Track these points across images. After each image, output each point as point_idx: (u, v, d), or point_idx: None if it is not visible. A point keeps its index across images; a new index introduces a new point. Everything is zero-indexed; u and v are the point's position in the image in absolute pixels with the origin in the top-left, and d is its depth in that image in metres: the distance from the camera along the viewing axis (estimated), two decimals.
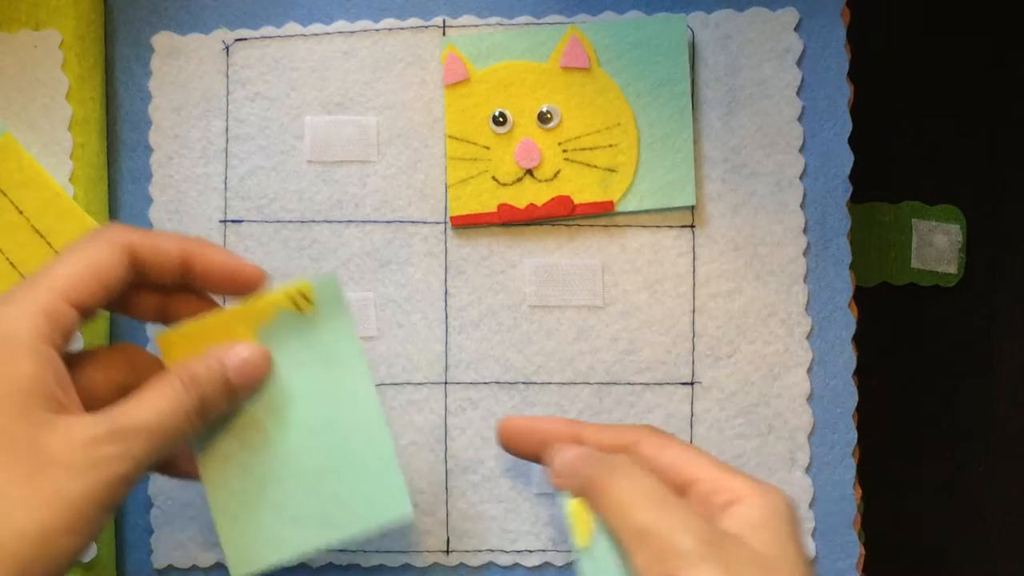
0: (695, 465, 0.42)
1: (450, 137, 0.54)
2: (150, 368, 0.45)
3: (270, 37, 0.55)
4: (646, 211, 0.53)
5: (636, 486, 0.41)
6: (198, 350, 0.45)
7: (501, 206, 0.54)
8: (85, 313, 0.42)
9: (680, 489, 0.42)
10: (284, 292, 0.45)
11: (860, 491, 0.53)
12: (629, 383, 0.53)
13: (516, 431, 0.48)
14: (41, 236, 0.53)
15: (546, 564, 0.53)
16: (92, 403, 0.42)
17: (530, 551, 0.53)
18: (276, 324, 0.45)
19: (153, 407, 0.41)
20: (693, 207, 0.53)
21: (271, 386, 0.46)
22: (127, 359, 0.45)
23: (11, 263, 0.53)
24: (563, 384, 0.54)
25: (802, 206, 0.53)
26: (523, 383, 0.54)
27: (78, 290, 0.42)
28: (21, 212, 0.53)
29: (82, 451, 0.39)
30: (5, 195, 0.53)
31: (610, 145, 0.53)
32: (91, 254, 0.42)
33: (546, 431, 0.47)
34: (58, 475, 0.39)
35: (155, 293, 0.46)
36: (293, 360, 0.46)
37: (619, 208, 0.53)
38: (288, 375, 0.46)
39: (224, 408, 0.44)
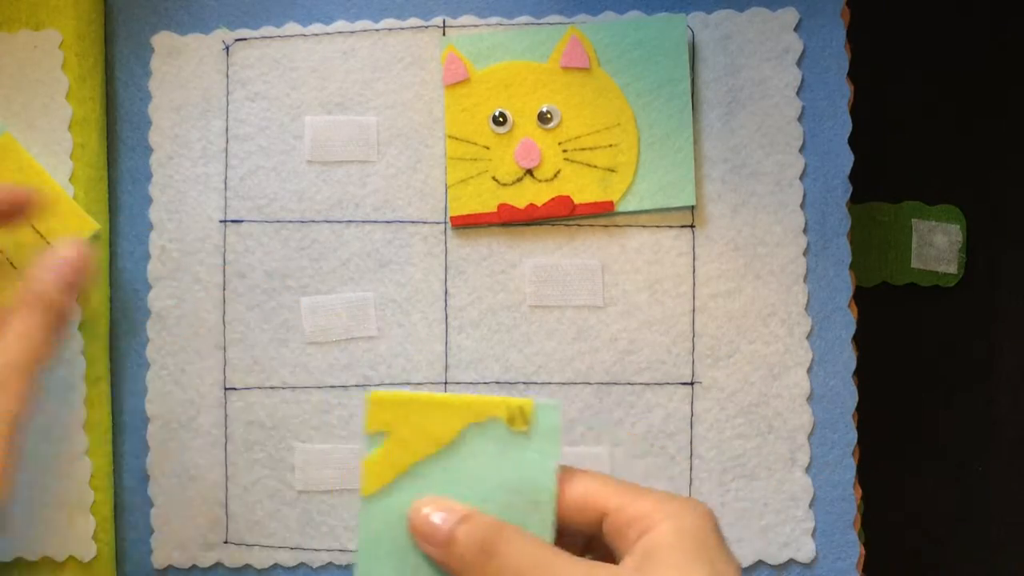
0: (603, 496, 0.41)
1: (450, 137, 0.54)
2: None
3: (270, 37, 0.55)
4: (646, 211, 0.54)
5: (522, 551, 0.39)
6: (403, 418, 0.43)
7: (501, 206, 0.54)
8: None
9: (595, 523, 0.41)
10: (504, 402, 0.44)
11: (860, 491, 0.53)
12: (629, 383, 0.53)
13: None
14: (41, 236, 0.53)
15: None
16: None
17: None
18: (484, 427, 0.44)
19: (14, 343, 0.45)
20: (693, 207, 0.53)
21: (452, 486, 0.43)
22: None
23: (11, 263, 0.53)
24: (563, 384, 0.54)
25: (802, 206, 0.53)
26: (523, 383, 0.54)
27: None
28: None
29: None
30: None
31: (610, 145, 0.53)
32: None
33: None
34: None
35: None
36: (483, 470, 0.44)
37: (619, 208, 0.53)
38: (471, 483, 0.43)
39: (70, 296, 0.47)
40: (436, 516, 0.41)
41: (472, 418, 0.43)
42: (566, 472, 0.42)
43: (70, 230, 0.53)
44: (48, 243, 0.53)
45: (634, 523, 0.39)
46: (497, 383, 0.54)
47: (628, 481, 0.41)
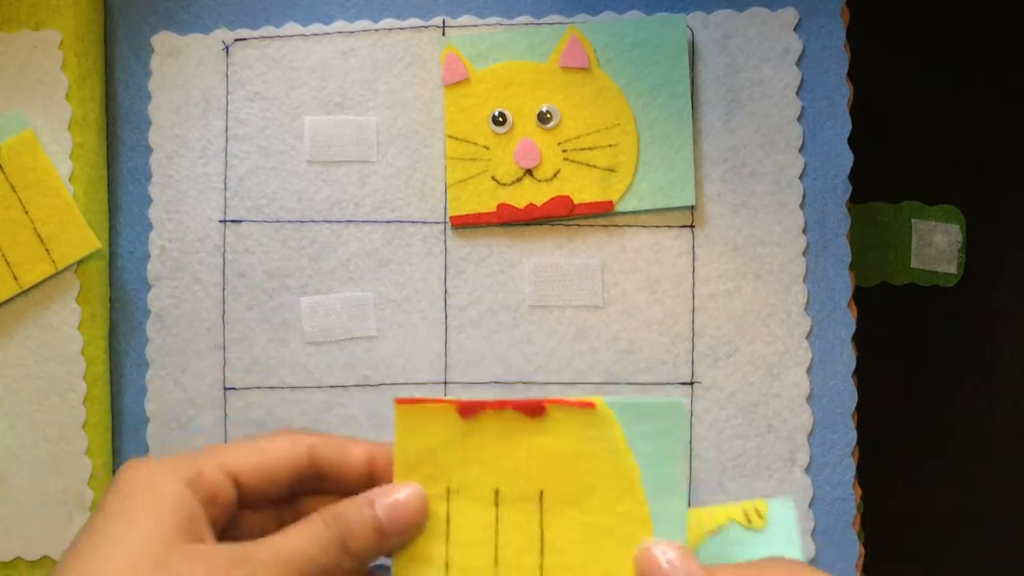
0: None
1: (450, 137, 0.54)
2: None
3: (270, 37, 0.55)
4: (646, 211, 0.53)
5: None
6: None
7: (501, 206, 0.54)
8: (244, 490, 0.42)
9: None
10: (740, 506, 0.44)
11: (860, 491, 0.53)
12: (629, 383, 0.53)
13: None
14: (41, 241, 0.53)
15: None
16: None
17: None
18: (725, 532, 0.44)
19: (288, 540, 0.41)
20: (693, 207, 0.53)
21: None
22: None
23: (7, 261, 0.53)
24: (563, 384, 0.54)
25: (802, 206, 0.53)
26: (523, 383, 0.54)
27: (239, 463, 0.42)
28: (27, 212, 0.53)
29: (205, 573, 0.39)
30: (15, 192, 0.53)
31: (610, 145, 0.53)
32: (267, 442, 0.42)
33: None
34: None
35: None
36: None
37: (618, 208, 0.53)
38: None
39: (375, 549, 0.42)
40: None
41: (713, 525, 0.44)
42: None
43: (70, 242, 0.53)
44: (46, 249, 0.53)
45: None
46: (497, 383, 0.54)
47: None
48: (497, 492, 0.43)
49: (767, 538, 0.44)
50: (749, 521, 0.44)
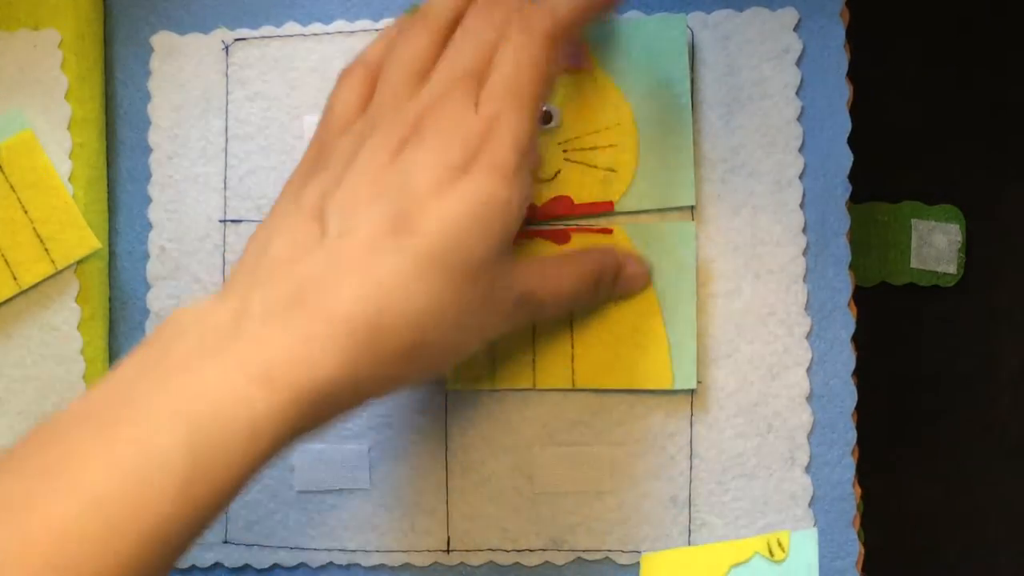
0: None
1: None
2: None
3: (270, 37, 0.55)
4: (646, 211, 0.53)
5: None
6: (673, 572, 0.48)
7: None
8: None
9: None
10: (764, 538, 0.47)
11: (859, 490, 0.53)
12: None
13: None
14: (40, 241, 0.53)
15: (546, 563, 0.53)
16: None
17: (531, 550, 0.53)
18: (748, 565, 0.46)
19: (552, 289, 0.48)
20: (692, 207, 0.53)
21: None
22: None
23: (6, 261, 0.53)
24: (562, 389, 0.53)
25: (801, 206, 0.53)
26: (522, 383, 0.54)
27: None
28: (26, 212, 0.53)
29: (512, 304, 0.46)
30: (14, 191, 0.53)
31: (610, 145, 0.53)
32: None
33: None
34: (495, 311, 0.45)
35: None
36: None
37: (619, 208, 0.53)
38: None
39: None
40: None
41: (736, 559, 0.46)
42: None
43: (70, 242, 0.53)
44: (46, 250, 0.53)
45: None
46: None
47: None
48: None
49: (787, 569, 0.45)
50: (771, 553, 0.46)
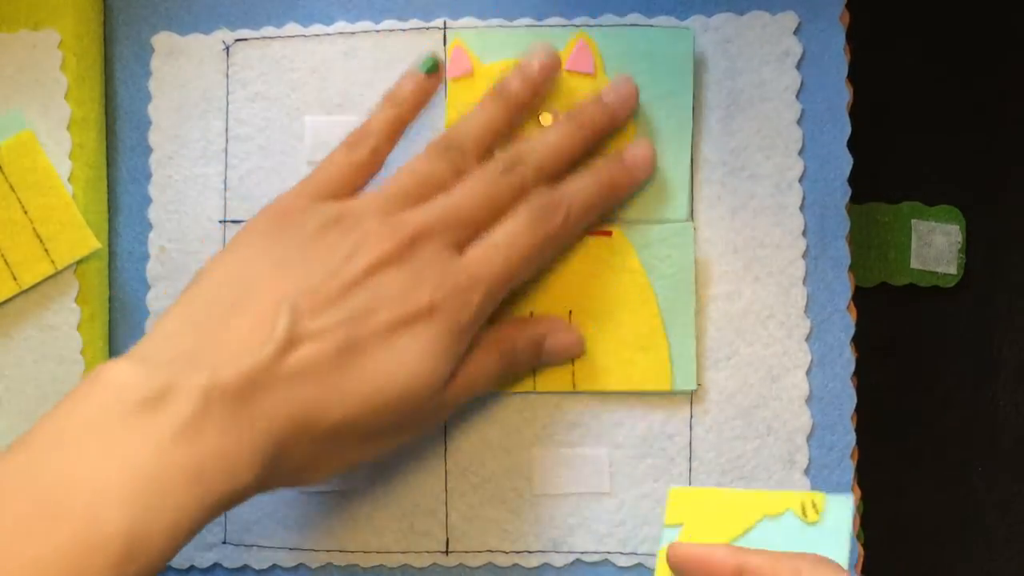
0: None
1: None
2: None
3: (270, 37, 0.55)
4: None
5: None
6: (700, 510, 0.46)
7: None
8: None
9: None
10: (798, 495, 0.46)
11: (859, 492, 0.53)
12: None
13: (685, 561, 0.46)
14: (40, 242, 0.53)
15: (545, 565, 0.53)
16: None
17: (530, 552, 0.53)
18: (779, 520, 0.45)
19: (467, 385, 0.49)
20: (692, 208, 0.53)
21: None
22: None
23: (6, 261, 0.53)
24: (562, 392, 0.53)
25: (801, 209, 0.53)
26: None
27: None
28: (26, 213, 0.53)
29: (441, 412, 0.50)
30: (14, 192, 0.53)
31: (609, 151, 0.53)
32: None
33: (713, 562, 0.45)
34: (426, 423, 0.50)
35: None
36: None
37: (613, 217, 0.53)
38: None
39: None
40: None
41: (768, 511, 0.45)
42: (814, 569, 0.42)
43: (70, 242, 0.53)
44: (46, 250, 0.53)
45: None
46: None
47: None
48: (532, 315, 0.52)
49: (816, 533, 0.45)
50: (804, 513, 0.45)
